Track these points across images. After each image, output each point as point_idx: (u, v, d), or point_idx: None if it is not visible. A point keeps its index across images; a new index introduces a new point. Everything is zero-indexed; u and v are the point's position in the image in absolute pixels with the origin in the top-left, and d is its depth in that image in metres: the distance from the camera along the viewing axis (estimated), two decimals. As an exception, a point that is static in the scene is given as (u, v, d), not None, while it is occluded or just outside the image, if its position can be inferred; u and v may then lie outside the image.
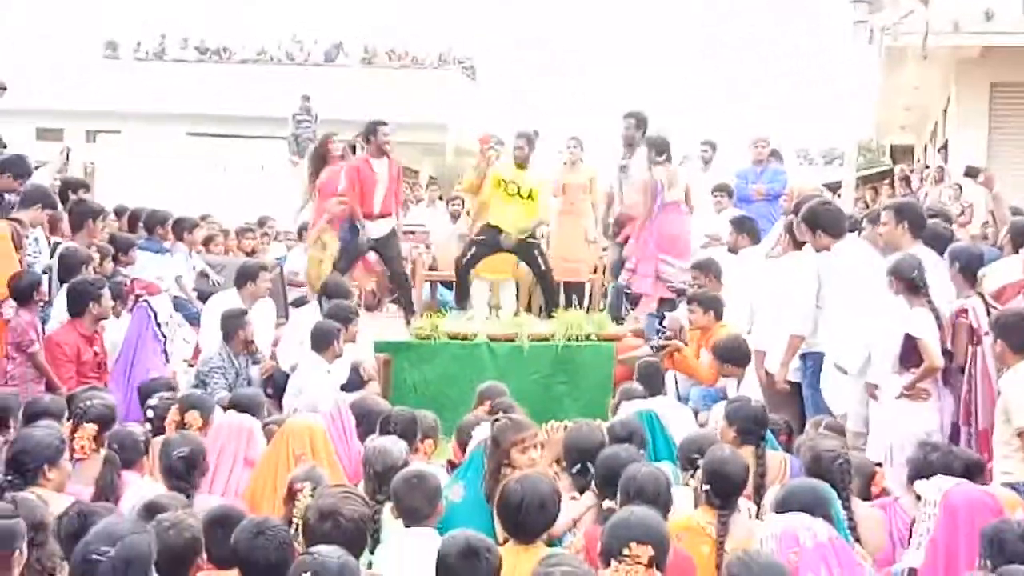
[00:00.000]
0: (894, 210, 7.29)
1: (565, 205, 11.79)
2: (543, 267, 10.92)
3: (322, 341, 8.08)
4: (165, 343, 8.25)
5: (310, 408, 7.20)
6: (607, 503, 4.86)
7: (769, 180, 12.13)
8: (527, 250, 10.80)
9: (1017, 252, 7.19)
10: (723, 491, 4.77)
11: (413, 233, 13.55)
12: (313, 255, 10.57)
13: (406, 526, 4.74)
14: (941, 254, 7.08)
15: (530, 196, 10.65)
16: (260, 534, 3.92)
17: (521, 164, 10.73)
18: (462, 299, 10.88)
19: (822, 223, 7.32)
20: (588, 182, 11.85)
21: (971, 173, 9.22)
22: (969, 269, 6.94)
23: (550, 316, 10.22)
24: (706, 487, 4.80)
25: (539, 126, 12.66)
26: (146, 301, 8.47)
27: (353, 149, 11.50)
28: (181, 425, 6.10)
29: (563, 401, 9.07)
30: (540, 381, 9.34)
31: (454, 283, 11.22)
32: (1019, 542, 3.89)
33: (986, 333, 6.43)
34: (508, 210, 10.65)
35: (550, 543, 4.95)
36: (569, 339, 9.56)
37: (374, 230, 10.56)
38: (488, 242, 10.73)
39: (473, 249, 10.78)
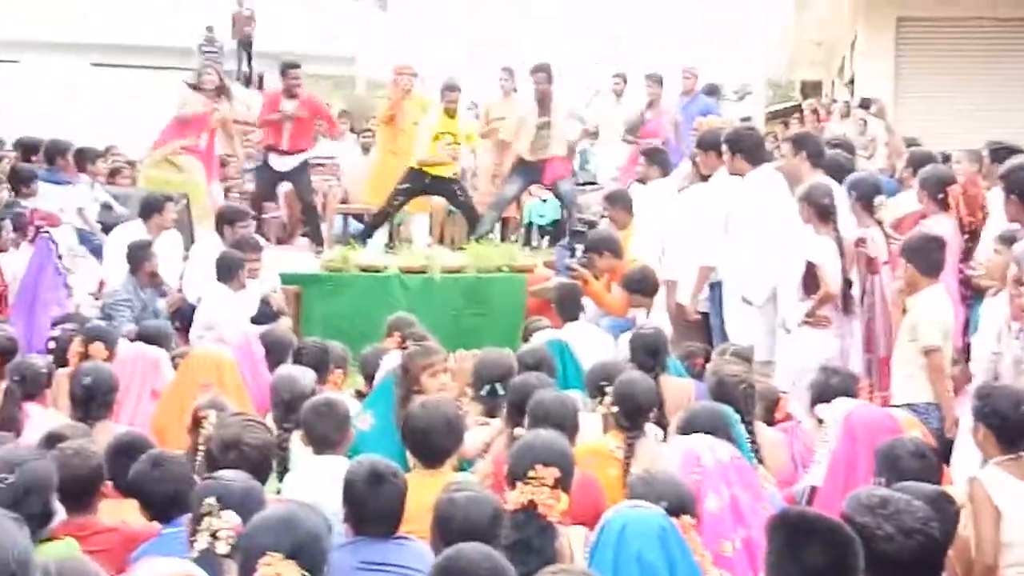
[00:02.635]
0: (792, 141, 7.44)
1: (495, 139, 11.76)
2: (463, 199, 10.99)
3: (227, 271, 7.99)
4: (66, 276, 8.08)
5: (218, 339, 7.12)
6: (517, 430, 4.88)
7: (699, 112, 12.05)
8: (447, 187, 10.86)
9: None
10: (631, 413, 4.85)
11: (323, 166, 13.38)
12: (158, 175, 10.55)
13: (315, 453, 4.72)
14: (841, 184, 7.17)
15: (467, 140, 10.97)
16: (156, 466, 3.89)
17: (451, 114, 10.76)
18: (369, 234, 11.00)
19: (744, 147, 7.36)
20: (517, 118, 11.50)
21: (864, 104, 9.36)
22: (866, 199, 7.03)
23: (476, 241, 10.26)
24: (615, 409, 4.87)
25: (450, 58, 12.58)
26: (47, 232, 8.28)
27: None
28: (85, 356, 6.00)
29: (475, 333, 8.97)
30: (452, 313, 9.29)
31: (371, 218, 11.30)
32: (911, 459, 4.00)
33: (885, 262, 6.54)
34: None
35: (461, 467, 4.98)
36: (480, 271, 9.57)
37: (280, 164, 10.91)
38: (413, 188, 10.80)
39: (400, 198, 10.87)
